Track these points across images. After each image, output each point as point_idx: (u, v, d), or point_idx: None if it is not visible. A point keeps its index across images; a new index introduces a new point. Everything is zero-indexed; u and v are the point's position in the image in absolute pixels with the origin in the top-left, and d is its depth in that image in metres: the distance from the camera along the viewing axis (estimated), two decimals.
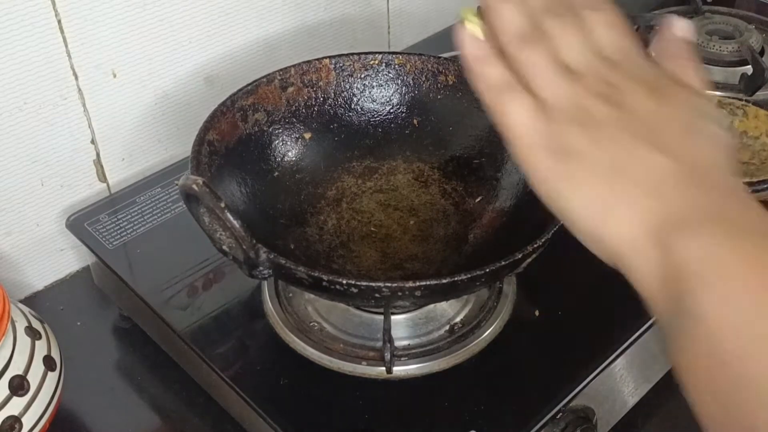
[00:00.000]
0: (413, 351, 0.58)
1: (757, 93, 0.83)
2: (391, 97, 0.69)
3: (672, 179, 0.32)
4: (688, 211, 0.32)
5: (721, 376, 0.30)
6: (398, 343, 0.58)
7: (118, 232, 0.68)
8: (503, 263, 0.50)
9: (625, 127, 0.34)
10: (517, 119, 0.36)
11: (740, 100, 0.80)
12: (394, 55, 0.68)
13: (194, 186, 0.48)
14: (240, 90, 0.64)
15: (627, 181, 0.33)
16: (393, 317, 0.58)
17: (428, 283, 0.49)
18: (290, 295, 0.62)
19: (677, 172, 0.33)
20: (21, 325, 0.56)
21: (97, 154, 0.72)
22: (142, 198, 0.72)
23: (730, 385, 0.29)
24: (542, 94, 0.36)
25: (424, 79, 0.68)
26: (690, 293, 0.30)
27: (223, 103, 0.62)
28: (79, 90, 0.68)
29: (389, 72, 0.68)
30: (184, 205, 0.51)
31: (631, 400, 0.62)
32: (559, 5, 0.37)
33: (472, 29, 0.38)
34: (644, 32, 0.93)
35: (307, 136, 0.67)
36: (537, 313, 0.61)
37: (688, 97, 0.36)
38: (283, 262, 0.49)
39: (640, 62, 0.37)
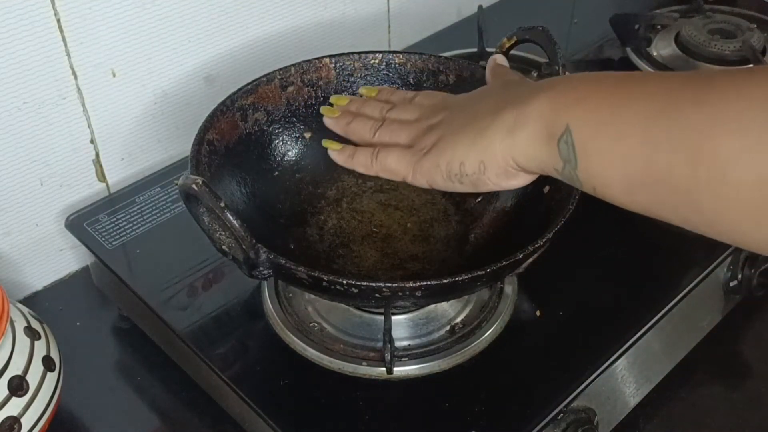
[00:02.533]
0: (414, 351, 0.58)
1: None
2: None
3: (503, 103, 0.46)
4: (531, 95, 0.44)
5: (613, 174, 0.39)
6: (399, 344, 0.57)
7: (118, 232, 0.68)
8: (504, 263, 0.49)
9: (458, 111, 0.51)
10: (394, 160, 0.52)
11: None
12: (394, 55, 0.68)
13: (194, 186, 0.48)
14: (240, 89, 0.63)
15: (480, 124, 0.46)
16: (393, 317, 0.58)
17: (429, 283, 0.48)
18: (290, 295, 0.62)
19: (503, 101, 0.46)
20: (20, 325, 0.56)
21: (97, 154, 0.72)
22: (141, 198, 0.72)
23: (623, 173, 0.39)
24: (401, 140, 0.53)
25: (424, 78, 0.68)
26: (563, 128, 0.41)
27: (223, 103, 0.62)
28: (79, 89, 0.68)
29: (390, 71, 0.68)
30: (184, 205, 0.51)
31: (633, 401, 0.62)
32: (377, 105, 0.59)
33: (333, 147, 0.58)
34: (645, 32, 0.93)
35: (308, 135, 0.67)
36: (538, 313, 0.61)
37: (447, 96, 0.57)
38: (283, 262, 0.49)
39: (419, 97, 0.58)
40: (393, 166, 0.52)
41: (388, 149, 0.53)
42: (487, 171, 0.45)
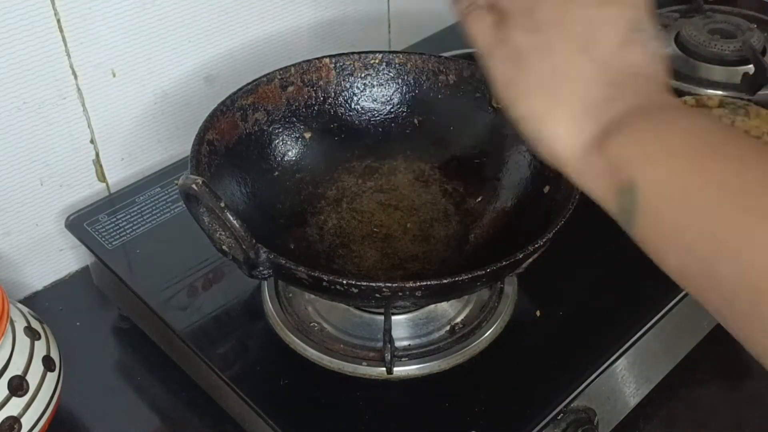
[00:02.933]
0: (414, 351, 0.58)
1: (759, 92, 0.83)
2: (392, 97, 0.69)
3: (601, 90, 0.38)
4: (617, 116, 0.37)
5: (670, 249, 0.36)
6: (399, 344, 0.57)
7: (118, 232, 0.68)
8: (504, 263, 0.49)
9: (563, 37, 0.39)
10: (479, 30, 0.43)
11: (742, 99, 0.80)
12: (394, 55, 0.68)
13: (194, 186, 0.48)
14: (240, 89, 0.63)
15: (562, 94, 0.39)
16: (393, 317, 0.58)
17: (429, 283, 0.48)
18: (290, 295, 0.62)
19: (605, 82, 0.38)
20: (20, 325, 0.56)
21: (97, 154, 0.72)
22: (141, 198, 0.72)
23: (681, 252, 0.35)
24: (499, 4, 0.42)
25: (424, 78, 0.68)
26: (628, 182, 0.36)
27: (223, 103, 0.62)
28: (79, 89, 0.68)
29: (390, 71, 0.68)
30: (184, 205, 0.51)
31: (633, 401, 0.62)
32: None
33: None
34: None
35: (308, 135, 0.67)
36: (538, 313, 0.61)
37: (623, 9, 0.40)
38: (283, 262, 0.49)
39: None
40: (476, 34, 0.43)
41: (481, 21, 0.43)
42: (539, 147, 0.40)
